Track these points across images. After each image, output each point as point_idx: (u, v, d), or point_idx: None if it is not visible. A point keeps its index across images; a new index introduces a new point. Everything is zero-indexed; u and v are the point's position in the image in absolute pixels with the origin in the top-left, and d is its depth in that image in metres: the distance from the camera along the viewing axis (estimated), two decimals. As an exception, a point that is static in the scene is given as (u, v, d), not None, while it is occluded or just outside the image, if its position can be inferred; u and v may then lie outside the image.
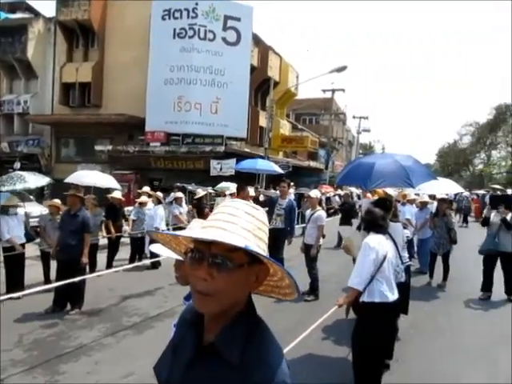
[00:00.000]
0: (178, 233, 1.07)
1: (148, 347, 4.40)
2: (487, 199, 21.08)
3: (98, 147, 20.81)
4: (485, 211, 7.62)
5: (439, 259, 7.92)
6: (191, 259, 0.98)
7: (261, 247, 0.98)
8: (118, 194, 9.14)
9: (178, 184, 13.20)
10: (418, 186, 5.26)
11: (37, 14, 24.53)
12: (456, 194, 19.20)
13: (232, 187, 11.99)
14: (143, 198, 9.36)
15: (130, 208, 10.79)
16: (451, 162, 48.08)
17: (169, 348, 1.14)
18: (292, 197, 21.02)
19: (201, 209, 10.91)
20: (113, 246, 8.60)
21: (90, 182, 9.47)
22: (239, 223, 0.98)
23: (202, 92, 20.70)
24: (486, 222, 7.10)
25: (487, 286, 6.91)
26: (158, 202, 9.01)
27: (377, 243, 3.40)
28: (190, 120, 20.77)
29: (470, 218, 20.96)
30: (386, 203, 4.13)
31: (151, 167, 20.71)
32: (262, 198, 8.13)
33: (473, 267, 9.31)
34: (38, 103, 22.73)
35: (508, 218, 6.68)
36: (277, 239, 7.21)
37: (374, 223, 3.54)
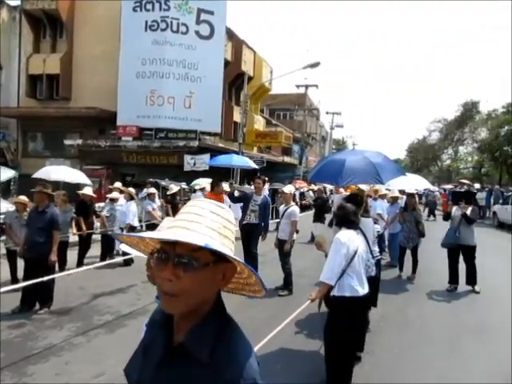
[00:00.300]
0: (141, 234, 1.06)
1: (120, 346, 4.35)
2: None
3: (67, 141, 20.24)
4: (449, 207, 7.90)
5: (408, 252, 8.14)
6: (157, 260, 0.98)
7: (226, 245, 0.99)
8: (88, 190, 8.92)
9: (151, 179, 13.00)
10: (388, 182, 5.38)
11: (1, 2, 23.52)
12: (425, 189, 19.77)
13: (204, 183, 11.92)
14: (114, 194, 9.19)
15: (102, 204, 10.57)
16: (421, 157, 49.33)
17: (139, 349, 1.13)
18: (266, 192, 21.16)
19: (174, 205, 10.81)
20: (83, 244, 8.41)
21: (59, 177, 9.21)
22: (204, 222, 0.99)
23: (175, 86, 20.43)
24: (447, 217, 7.37)
25: (453, 278, 7.16)
26: (131, 197, 8.86)
27: (347, 238, 3.46)
28: (162, 114, 20.47)
29: (437, 212, 21.63)
30: (357, 199, 4.20)
31: (123, 162, 20.31)
32: (236, 193, 8.10)
33: (440, 260, 9.63)
34: (3, 95, 21.84)
35: (468, 212, 6.93)
36: (251, 234, 7.24)
37: (346, 219, 3.60)
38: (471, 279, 7.15)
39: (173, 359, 1.00)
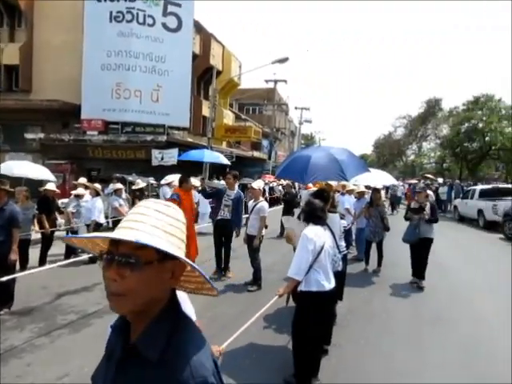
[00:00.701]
0: (85, 235, 1.08)
1: (85, 346, 4.25)
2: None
3: (28, 135, 19.43)
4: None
5: (374, 246, 8.35)
6: (104, 261, 0.98)
7: (173, 243, 1.00)
8: (51, 186, 8.61)
9: (118, 175, 12.71)
10: (354, 178, 5.46)
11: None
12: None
13: (176, 179, 11.75)
14: (79, 190, 8.92)
15: (66, 200, 10.24)
16: (386, 152, 50.55)
17: (104, 356, 1.12)
18: (236, 186, 21.12)
19: (138, 200, 10.62)
20: (46, 241, 8.11)
21: (21, 173, 8.84)
22: (148, 221, 0.99)
23: (141, 79, 19.98)
24: (408, 218, 7.32)
25: (416, 271, 7.37)
26: (97, 193, 8.62)
27: (314, 234, 3.50)
28: (129, 108, 20.00)
29: (402, 206, 22.28)
30: (324, 194, 4.26)
31: (88, 157, 19.74)
32: (208, 189, 8.05)
33: (404, 253, 9.94)
34: (-43, 86, 20.70)
35: (427, 216, 6.95)
36: (225, 230, 7.23)
37: (313, 215, 3.64)
38: (419, 273, 7.16)
39: (128, 362, 1.00)
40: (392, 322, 5.41)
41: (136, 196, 11.01)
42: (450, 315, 5.68)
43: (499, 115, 23.80)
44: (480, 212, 16.22)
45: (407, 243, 7.40)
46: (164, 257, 0.96)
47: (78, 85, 19.44)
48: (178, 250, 0.99)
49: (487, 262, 9.59)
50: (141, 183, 11.41)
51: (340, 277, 4.15)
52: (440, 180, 28.76)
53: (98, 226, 8.36)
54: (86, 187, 9.16)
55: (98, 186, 8.88)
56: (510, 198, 15.40)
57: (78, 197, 8.81)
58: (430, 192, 9.29)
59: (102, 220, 8.57)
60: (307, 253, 3.42)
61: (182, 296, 1.85)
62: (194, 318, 2.04)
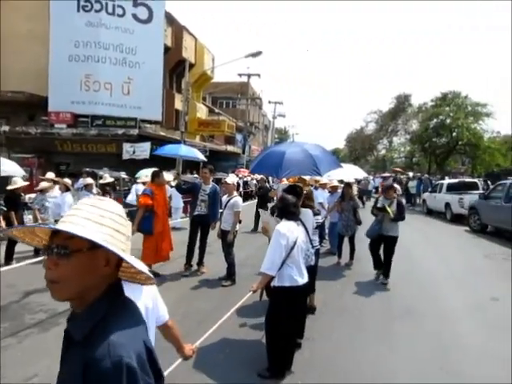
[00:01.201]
0: (19, 226, 1.20)
1: (54, 345, 4.13)
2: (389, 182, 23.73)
3: (-9, 128, 18.67)
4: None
5: (346, 240, 8.48)
6: (44, 253, 1.08)
7: (104, 232, 1.07)
8: (18, 181, 8.31)
9: (88, 169, 12.39)
10: (327, 173, 5.53)
11: None
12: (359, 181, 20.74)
13: (147, 174, 11.54)
14: (43, 184, 8.64)
15: (33, 195, 9.90)
16: (358, 147, 51.40)
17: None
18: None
19: (110, 194, 10.43)
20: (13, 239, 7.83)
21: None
22: (80, 214, 1.08)
23: (112, 71, 19.51)
24: (373, 213, 7.28)
25: (378, 264, 7.33)
26: (66, 188, 8.37)
27: (287, 230, 3.53)
28: (99, 101, 19.52)
29: (373, 199, 22.80)
30: (297, 190, 4.29)
31: (57, 150, 19.17)
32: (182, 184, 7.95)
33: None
34: None
35: (394, 206, 6.86)
36: (202, 225, 7.18)
37: (286, 210, 3.66)
38: (384, 271, 7.05)
39: (67, 349, 1.10)
40: (363, 314, 5.52)
41: (106, 191, 10.77)
42: (418, 307, 5.84)
43: (465, 111, 24.59)
44: (447, 205, 16.75)
45: (368, 238, 7.38)
46: (94, 245, 1.03)
47: (45, 76, 18.80)
48: (109, 238, 1.06)
49: (453, 254, 9.92)
50: (108, 178, 11.15)
51: (312, 271, 4.19)
52: (411, 174, 29.57)
53: (67, 222, 8.13)
54: (55, 182, 8.89)
55: (67, 180, 8.63)
56: (475, 191, 16.00)
57: (43, 192, 8.53)
58: (397, 186, 9.32)
59: (72, 216, 8.33)
60: (280, 248, 3.44)
61: (153, 293, 1.83)
62: (166, 316, 2.02)
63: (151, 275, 1.19)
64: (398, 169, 34.68)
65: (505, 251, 10.23)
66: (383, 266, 7.08)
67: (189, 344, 2.29)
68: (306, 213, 4.23)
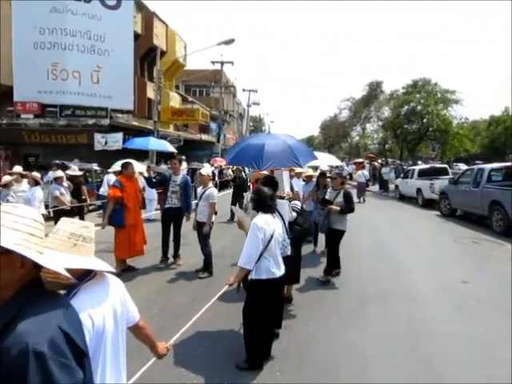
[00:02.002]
0: None
1: None
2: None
3: (-47, 119, 17.84)
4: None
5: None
6: None
7: (19, 237, 1.17)
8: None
9: (57, 161, 12.01)
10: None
11: None
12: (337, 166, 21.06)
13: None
14: (6, 178, 8.32)
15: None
16: (332, 134, 51.82)
17: None
18: (185, 172, 20.80)
19: (78, 188, 10.17)
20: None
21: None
22: None
23: (80, 59, 18.89)
24: (320, 205, 6.88)
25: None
26: (36, 182, 8.09)
27: (264, 223, 3.53)
28: (67, 90, 18.92)
29: (348, 186, 23.40)
30: (274, 182, 4.29)
31: (24, 142, 18.54)
32: (153, 176, 7.81)
33: (349, 233, 10.34)
34: None
35: (340, 197, 6.44)
36: (175, 218, 7.09)
37: (263, 203, 3.66)
38: (327, 267, 6.51)
39: None
40: (338, 300, 5.63)
41: (77, 183, 10.48)
42: (390, 291, 5.99)
43: (435, 98, 25.08)
44: (419, 191, 17.17)
45: (322, 233, 7.01)
46: (8, 249, 1.13)
47: (9, 64, 18.01)
48: (23, 241, 1.17)
49: (424, 238, 10.19)
50: (77, 170, 10.84)
51: (290, 260, 4.21)
52: (390, 160, 30.37)
53: (38, 218, 7.90)
54: (23, 176, 8.59)
55: (36, 174, 8.35)
56: (445, 177, 16.44)
57: (7, 186, 8.22)
58: (348, 171, 9.08)
59: (43, 210, 8.09)
60: (257, 242, 3.44)
61: (122, 295, 1.81)
62: (137, 317, 1.99)
63: (69, 276, 1.32)
64: (371, 155, 35.84)
65: (474, 234, 10.59)
66: (328, 262, 6.52)
67: (163, 342, 2.26)
68: (282, 204, 4.24)
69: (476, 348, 4.22)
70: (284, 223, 4.12)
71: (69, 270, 1.52)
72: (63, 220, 1.68)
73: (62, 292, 1.61)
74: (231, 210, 11.81)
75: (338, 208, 6.28)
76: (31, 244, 1.20)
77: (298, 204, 5.02)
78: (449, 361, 3.94)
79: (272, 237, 3.54)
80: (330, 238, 6.52)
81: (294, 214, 4.88)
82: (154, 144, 11.63)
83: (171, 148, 12.40)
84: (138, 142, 11.67)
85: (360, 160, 31.54)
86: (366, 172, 20.60)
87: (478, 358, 4.01)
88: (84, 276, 1.63)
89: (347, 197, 6.44)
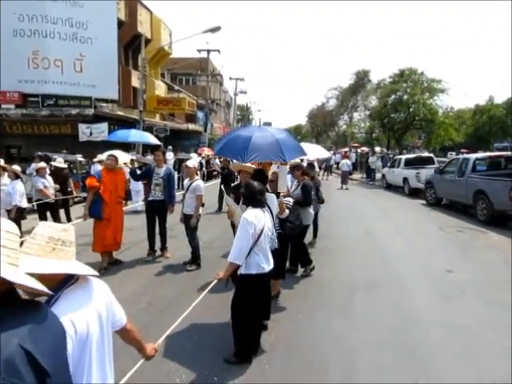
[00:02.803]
0: None
1: None
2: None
3: None
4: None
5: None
6: None
7: None
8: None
9: (40, 153, 11.76)
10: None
11: None
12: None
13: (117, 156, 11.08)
14: None
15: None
16: (320, 123, 51.73)
17: None
18: (171, 162, 20.59)
19: (64, 180, 10.02)
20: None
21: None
22: None
23: (61, 47, 18.43)
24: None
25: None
26: (16, 176, 7.90)
27: (254, 217, 3.49)
28: (49, 79, 18.48)
29: (335, 174, 25.27)
30: (263, 175, 4.25)
31: (6, 133, 18.13)
32: (138, 170, 7.66)
33: (337, 224, 10.40)
34: None
35: (298, 189, 6.23)
36: (158, 211, 7.00)
37: (252, 198, 3.61)
38: (301, 264, 6.34)
39: None
40: (326, 291, 5.65)
41: (63, 176, 10.31)
42: (376, 281, 6.05)
43: (422, 87, 25.16)
44: (405, 180, 17.34)
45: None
46: None
47: (-12, 52, 17.50)
48: None
49: (411, 227, 10.31)
50: (62, 163, 10.64)
51: (277, 254, 4.18)
52: (378, 149, 30.70)
53: (20, 211, 7.74)
54: (4, 169, 8.38)
55: (16, 167, 8.14)
56: (431, 166, 16.61)
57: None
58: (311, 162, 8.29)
59: (25, 204, 7.93)
60: (248, 237, 3.41)
61: (107, 299, 1.77)
62: (123, 320, 1.95)
63: (44, 289, 1.31)
64: (355, 144, 36.85)
65: (458, 223, 10.75)
66: (300, 259, 6.31)
67: (150, 344, 2.24)
68: (270, 197, 4.20)
69: (461, 337, 4.29)
70: (272, 217, 4.09)
71: (49, 276, 1.48)
72: (41, 224, 1.62)
73: (44, 299, 1.56)
74: (219, 201, 11.77)
75: (289, 204, 5.25)
76: (4, 257, 1.18)
77: (290, 201, 4.99)
78: (435, 351, 3.99)
79: (262, 231, 3.51)
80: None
81: (287, 212, 4.85)
82: (134, 136, 11.45)
83: (153, 140, 12.25)
84: (119, 135, 11.51)
85: (345, 149, 32.31)
86: (348, 161, 21.70)
87: (463, 348, 4.07)
88: (66, 281, 1.58)
89: (304, 189, 6.16)
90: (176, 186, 14.35)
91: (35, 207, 9.41)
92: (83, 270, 1.62)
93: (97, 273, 1.69)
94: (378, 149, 32.33)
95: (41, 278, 1.41)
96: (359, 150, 30.69)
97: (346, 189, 19.03)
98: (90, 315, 1.61)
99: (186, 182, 6.79)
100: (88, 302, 1.63)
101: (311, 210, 6.28)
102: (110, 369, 1.74)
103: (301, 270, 6.35)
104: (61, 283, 1.56)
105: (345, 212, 12.52)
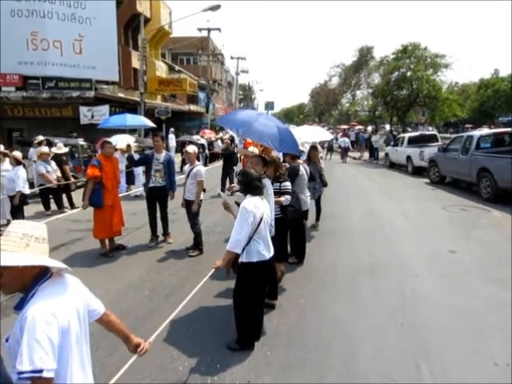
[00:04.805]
0: None
1: None
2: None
3: None
4: None
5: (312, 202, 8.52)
6: None
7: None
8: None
9: (41, 137, 11.72)
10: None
11: None
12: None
13: (121, 140, 11.03)
14: None
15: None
16: (322, 101, 51.17)
17: None
18: (174, 144, 20.48)
19: (60, 164, 10.03)
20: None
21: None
22: None
23: (60, 28, 18.14)
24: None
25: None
26: (18, 162, 7.90)
27: (253, 206, 3.48)
28: (49, 61, 18.25)
29: (336, 153, 25.81)
30: (264, 162, 4.23)
31: (7, 116, 18.09)
32: (136, 155, 7.62)
33: (340, 205, 10.38)
34: None
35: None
36: (159, 197, 6.99)
37: (250, 185, 3.59)
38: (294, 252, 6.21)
39: None
40: (329, 275, 5.67)
41: (61, 161, 10.31)
42: (379, 263, 6.06)
43: (425, 63, 24.67)
44: (408, 158, 17.20)
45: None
46: None
47: (-14, 34, 17.25)
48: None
49: (414, 207, 10.25)
50: (62, 147, 10.61)
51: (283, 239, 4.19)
52: (370, 127, 30.58)
53: (24, 197, 7.78)
54: (5, 155, 8.37)
55: (18, 153, 8.13)
56: (434, 144, 16.44)
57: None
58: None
59: (27, 190, 7.95)
60: (247, 225, 3.40)
61: (82, 293, 1.81)
62: (101, 310, 1.99)
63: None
64: (353, 123, 38.08)
65: (462, 202, 10.70)
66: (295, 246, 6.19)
67: (142, 340, 2.25)
68: (268, 183, 4.18)
69: (464, 320, 4.30)
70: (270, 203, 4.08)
71: (24, 271, 1.61)
72: (13, 222, 1.71)
73: (19, 296, 1.65)
74: (222, 184, 11.75)
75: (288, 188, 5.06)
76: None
77: (288, 185, 4.96)
78: (437, 333, 4.02)
79: (261, 219, 3.50)
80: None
81: (289, 197, 4.83)
82: (130, 121, 11.36)
83: (150, 123, 12.19)
84: (114, 121, 11.42)
85: (344, 127, 34.65)
86: (347, 139, 24.57)
87: (466, 331, 4.09)
88: (41, 276, 1.66)
89: (288, 174, 5.70)
90: (179, 169, 14.43)
91: (37, 192, 9.45)
92: (56, 264, 1.69)
93: (69, 268, 1.75)
94: (387, 127, 32.31)
95: (16, 273, 1.58)
96: (355, 129, 32.83)
97: (345, 162, 22.37)
98: (69, 309, 1.67)
99: (187, 167, 6.75)
100: (64, 296, 1.69)
101: (304, 197, 6.15)
102: (88, 360, 1.80)
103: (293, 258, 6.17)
104: (36, 278, 1.64)
105: (347, 192, 12.49)
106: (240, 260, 3.52)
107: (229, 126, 5.71)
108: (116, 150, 8.28)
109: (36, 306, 1.55)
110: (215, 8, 17.56)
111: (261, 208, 3.53)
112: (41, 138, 11.63)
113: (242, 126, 4.54)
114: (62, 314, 1.60)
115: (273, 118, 5.41)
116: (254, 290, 3.61)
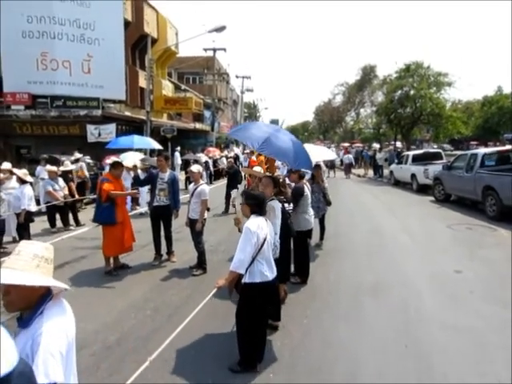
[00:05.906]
0: None
1: None
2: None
3: None
4: None
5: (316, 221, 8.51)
6: None
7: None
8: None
9: (45, 155, 11.90)
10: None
11: None
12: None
13: (130, 157, 11.18)
14: None
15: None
16: (327, 119, 51.58)
17: None
18: (179, 162, 20.63)
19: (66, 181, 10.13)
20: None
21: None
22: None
23: (69, 48, 18.49)
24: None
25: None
26: (23, 181, 7.98)
27: (257, 227, 3.50)
28: (58, 80, 18.57)
29: (338, 170, 26.27)
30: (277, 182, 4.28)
31: (16, 133, 18.34)
32: (141, 174, 7.71)
33: (343, 225, 10.36)
34: None
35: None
36: (164, 217, 7.04)
37: (255, 206, 3.63)
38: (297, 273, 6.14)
39: None
40: (333, 294, 5.63)
41: (68, 178, 10.42)
42: (384, 282, 6.02)
43: (428, 82, 24.84)
44: (413, 176, 17.19)
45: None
46: None
47: (-2, 55, 17.66)
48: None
49: (419, 225, 10.19)
50: (69, 164, 10.76)
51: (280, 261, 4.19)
52: (376, 145, 30.54)
53: (29, 215, 7.84)
54: (12, 173, 8.47)
55: (24, 171, 8.23)
56: (439, 161, 16.44)
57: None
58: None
59: (33, 208, 8.02)
60: (250, 246, 3.43)
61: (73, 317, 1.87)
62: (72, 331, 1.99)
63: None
64: (354, 141, 41.06)
65: (467, 220, 10.64)
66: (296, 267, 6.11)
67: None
68: (273, 204, 4.21)
69: (469, 341, 4.25)
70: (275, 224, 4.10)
71: (32, 290, 1.67)
72: (23, 242, 1.78)
73: (17, 314, 1.74)
74: (226, 202, 11.78)
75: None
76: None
77: (290, 208, 5.00)
78: (441, 353, 3.97)
79: (265, 240, 3.52)
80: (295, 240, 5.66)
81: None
82: (138, 142, 11.65)
83: (156, 144, 12.42)
84: (122, 142, 11.68)
85: (346, 145, 36.00)
86: (350, 156, 26.16)
87: (470, 352, 4.03)
88: (45, 296, 1.73)
89: (293, 193, 5.86)
90: (183, 187, 14.51)
91: (43, 210, 9.53)
92: (61, 285, 1.77)
93: (69, 287, 1.86)
94: (398, 144, 32.43)
95: (24, 292, 1.65)
96: (354, 146, 34.98)
97: (348, 178, 23.82)
98: (70, 329, 1.78)
99: (191, 186, 6.80)
100: (67, 317, 1.79)
101: (308, 216, 6.13)
102: (74, 375, 1.88)
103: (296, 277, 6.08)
104: (41, 298, 1.71)
105: (352, 210, 12.47)
106: (243, 280, 3.53)
107: (244, 139, 5.67)
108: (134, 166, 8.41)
109: (50, 323, 1.65)
110: (220, 29, 17.91)
111: (264, 229, 3.55)
112: (78, 155, 11.95)
113: (259, 140, 4.42)
114: (69, 332, 1.73)
115: (287, 132, 5.41)
116: (256, 310, 3.60)
